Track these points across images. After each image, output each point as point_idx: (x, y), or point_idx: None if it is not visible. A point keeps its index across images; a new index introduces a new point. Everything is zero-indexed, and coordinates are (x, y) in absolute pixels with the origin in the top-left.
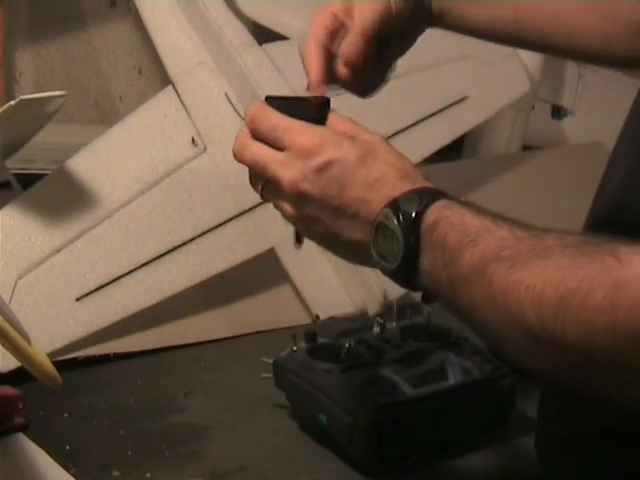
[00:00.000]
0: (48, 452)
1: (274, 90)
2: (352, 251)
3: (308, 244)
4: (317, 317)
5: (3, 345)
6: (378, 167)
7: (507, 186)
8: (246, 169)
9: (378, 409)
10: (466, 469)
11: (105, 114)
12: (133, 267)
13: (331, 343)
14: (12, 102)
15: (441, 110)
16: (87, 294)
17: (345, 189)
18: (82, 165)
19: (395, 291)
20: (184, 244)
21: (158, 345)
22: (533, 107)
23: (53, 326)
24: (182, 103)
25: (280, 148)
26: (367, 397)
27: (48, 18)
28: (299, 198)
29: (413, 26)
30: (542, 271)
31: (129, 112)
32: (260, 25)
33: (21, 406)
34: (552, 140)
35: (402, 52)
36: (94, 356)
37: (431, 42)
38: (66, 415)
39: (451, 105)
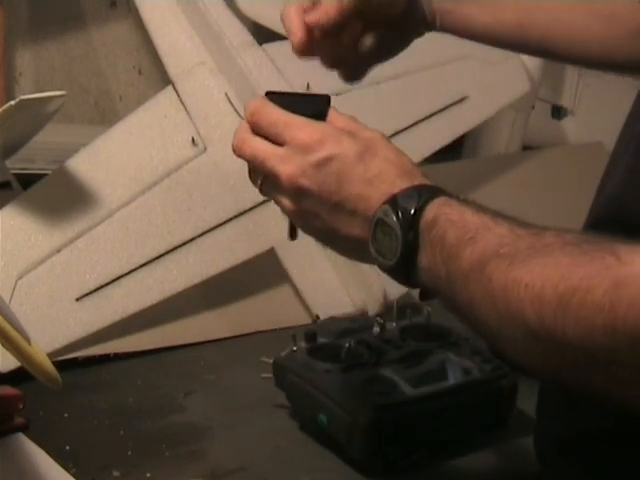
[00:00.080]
0: (48, 452)
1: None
2: (350, 247)
3: (308, 244)
4: (317, 317)
5: (3, 345)
6: (377, 163)
7: (507, 186)
8: (246, 169)
9: (378, 409)
10: (466, 469)
11: (105, 114)
12: (133, 267)
13: (331, 343)
14: (12, 102)
15: (441, 110)
16: (87, 294)
17: (344, 185)
18: (82, 165)
19: (395, 291)
20: (184, 244)
21: (158, 345)
22: (533, 107)
23: (53, 326)
24: (182, 103)
25: (280, 143)
26: (367, 397)
27: (48, 18)
28: (298, 193)
29: (407, 23)
30: (542, 269)
31: (129, 112)
32: (260, 25)
33: (21, 406)
34: (552, 140)
35: (395, 50)
36: (94, 356)
37: (431, 42)
38: (66, 415)
39: (451, 105)
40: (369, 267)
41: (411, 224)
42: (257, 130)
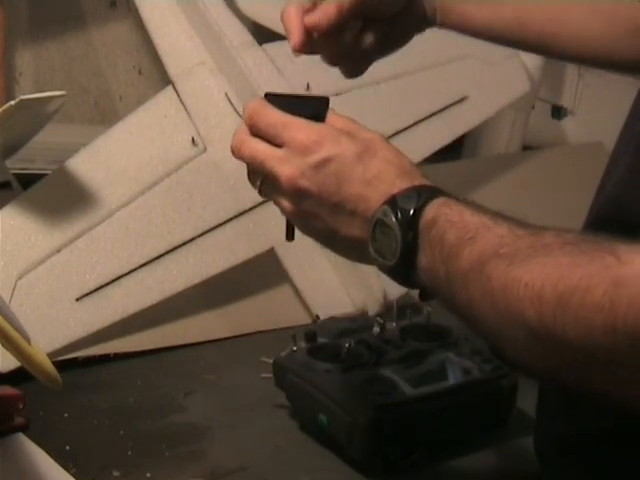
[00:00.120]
0: (48, 452)
1: (274, 90)
2: (350, 248)
3: (308, 244)
4: (317, 317)
5: (3, 345)
6: (376, 164)
7: (507, 186)
8: (245, 169)
9: (378, 409)
10: (466, 469)
11: (105, 114)
12: (133, 267)
13: (331, 343)
14: (12, 102)
15: (441, 110)
16: (87, 294)
17: (343, 185)
18: (82, 165)
19: (395, 291)
20: (184, 244)
21: (158, 345)
22: (533, 107)
23: (53, 326)
24: (182, 103)
25: (279, 144)
26: (367, 397)
27: (48, 18)
28: (297, 194)
29: (408, 19)
30: (541, 268)
31: (129, 112)
32: (260, 25)
33: (21, 406)
34: (552, 140)
35: (396, 46)
36: (94, 356)
37: (431, 42)
38: (66, 415)
39: (451, 105)
40: (369, 267)
41: (410, 224)
42: (256, 132)
